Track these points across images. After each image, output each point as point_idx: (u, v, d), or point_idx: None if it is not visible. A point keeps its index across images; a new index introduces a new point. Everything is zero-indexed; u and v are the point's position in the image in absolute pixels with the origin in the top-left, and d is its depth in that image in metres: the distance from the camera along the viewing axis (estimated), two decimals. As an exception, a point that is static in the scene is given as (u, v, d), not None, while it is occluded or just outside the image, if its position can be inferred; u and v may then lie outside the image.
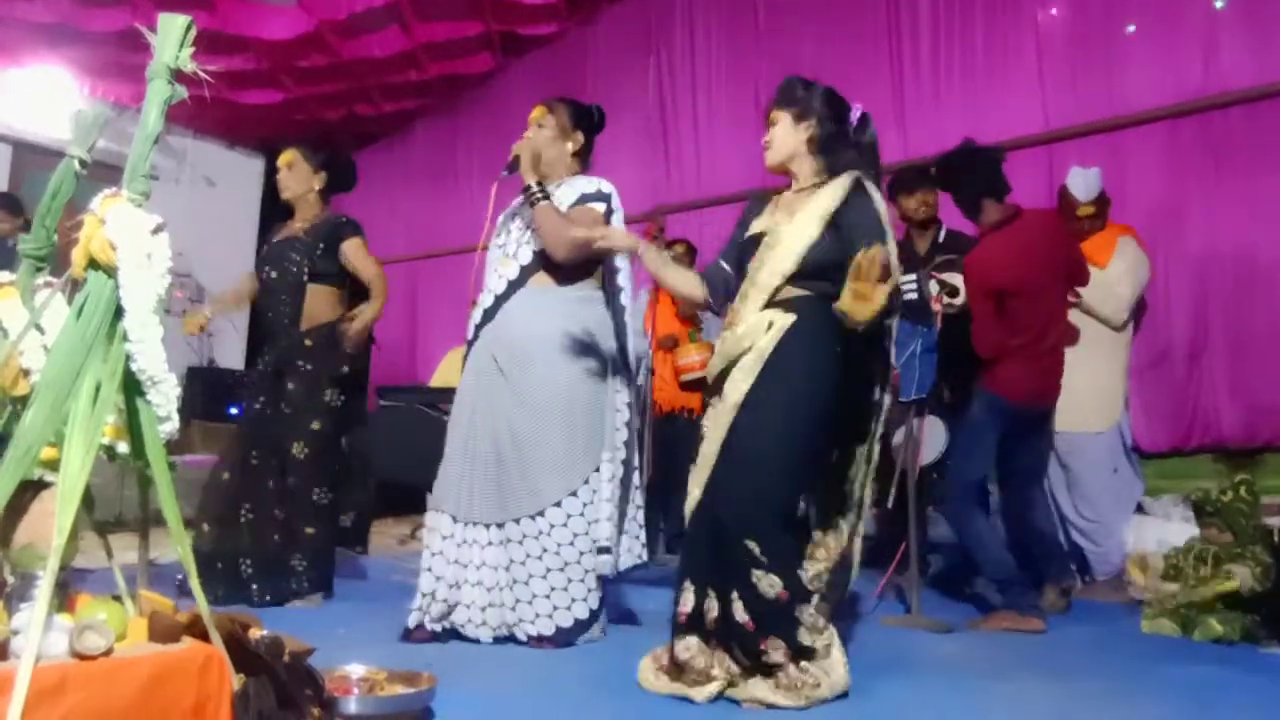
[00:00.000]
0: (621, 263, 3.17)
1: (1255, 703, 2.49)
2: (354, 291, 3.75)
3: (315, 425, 3.54)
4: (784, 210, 2.63)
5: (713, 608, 2.39)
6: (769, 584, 2.32)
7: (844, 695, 2.34)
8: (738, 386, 2.45)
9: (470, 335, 3.12)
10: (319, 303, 3.66)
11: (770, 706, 2.27)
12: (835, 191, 2.53)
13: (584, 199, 3.06)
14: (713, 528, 2.42)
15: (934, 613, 3.47)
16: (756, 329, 2.47)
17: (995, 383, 3.58)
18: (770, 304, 2.50)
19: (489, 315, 3.05)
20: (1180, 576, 3.46)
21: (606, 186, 3.12)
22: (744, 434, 2.43)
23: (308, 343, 3.61)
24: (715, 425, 2.48)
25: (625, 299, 3.16)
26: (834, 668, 2.35)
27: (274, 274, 3.70)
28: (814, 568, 2.53)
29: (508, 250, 3.11)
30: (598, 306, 3.10)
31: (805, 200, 2.58)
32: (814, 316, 2.47)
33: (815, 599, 2.42)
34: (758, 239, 2.61)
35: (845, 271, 2.34)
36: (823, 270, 2.47)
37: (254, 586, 3.45)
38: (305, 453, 3.52)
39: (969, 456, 3.61)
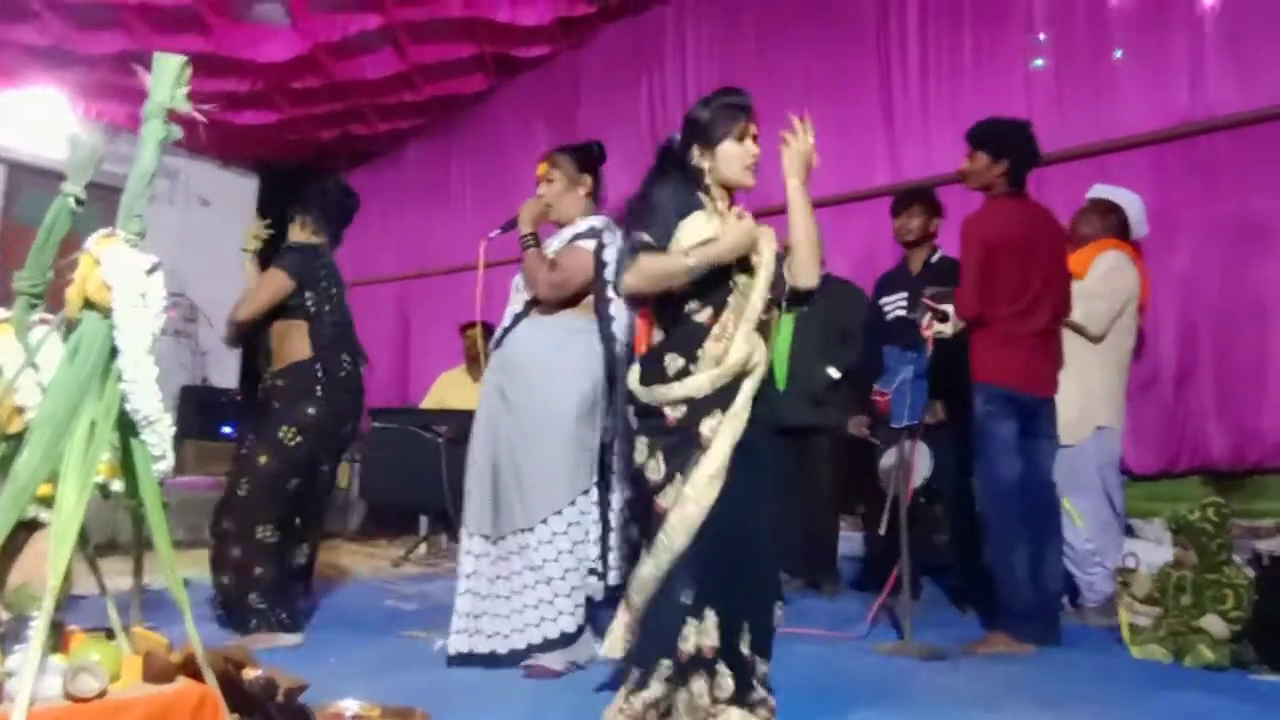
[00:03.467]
0: (612, 293, 3.19)
1: (1245, 731, 2.50)
2: (317, 328, 3.59)
3: (262, 459, 3.44)
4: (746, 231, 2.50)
5: (745, 639, 2.28)
6: (777, 616, 2.35)
7: None
8: (747, 404, 2.38)
9: (489, 363, 3.34)
10: (286, 339, 3.57)
11: None
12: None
13: (575, 238, 3.23)
14: (740, 552, 2.32)
15: (927, 638, 3.47)
16: (758, 348, 2.43)
17: (987, 371, 3.56)
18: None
19: (498, 344, 3.28)
20: (1163, 603, 3.49)
21: (599, 222, 3.25)
22: (766, 454, 2.41)
23: (279, 383, 3.54)
24: (724, 436, 2.35)
25: (618, 329, 3.19)
26: None
27: None
28: None
29: (518, 285, 3.33)
30: (589, 337, 3.20)
31: (762, 226, 2.53)
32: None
33: None
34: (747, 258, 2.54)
35: None
36: None
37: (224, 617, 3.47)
38: (246, 489, 3.44)
39: (986, 457, 3.54)
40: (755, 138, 2.50)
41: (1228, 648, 3.25)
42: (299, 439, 3.47)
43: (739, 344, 2.44)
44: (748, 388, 2.41)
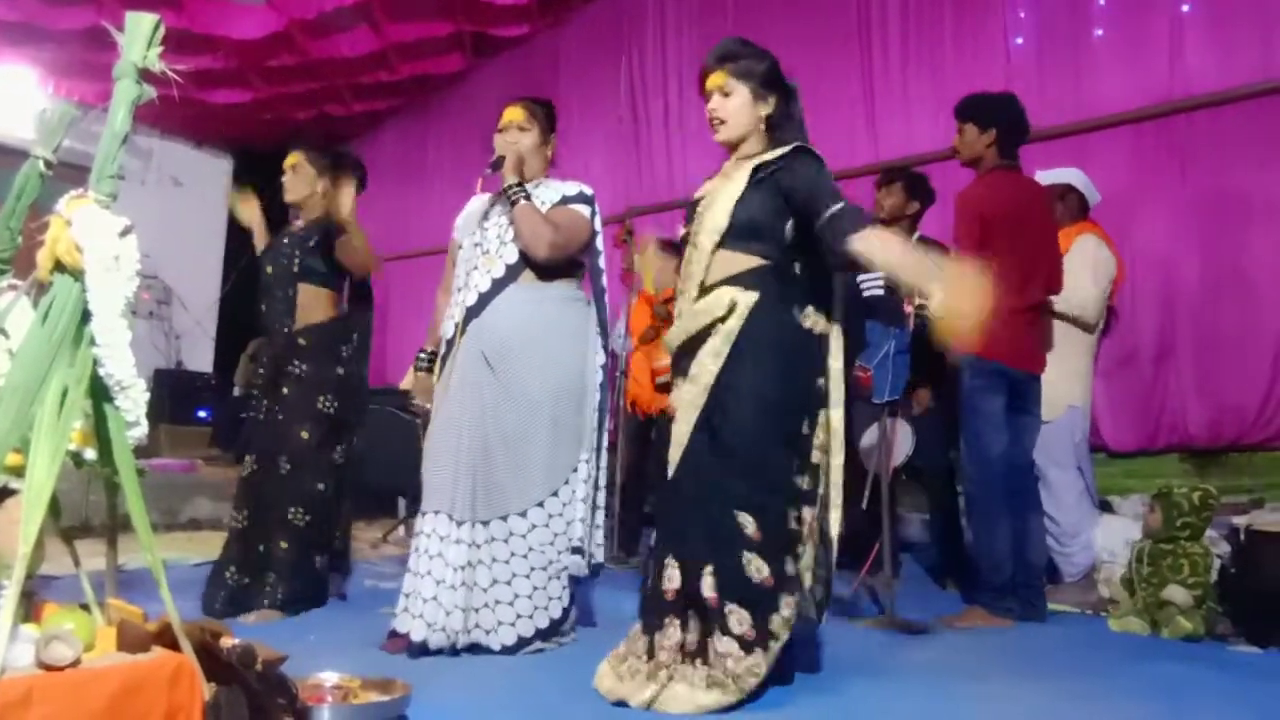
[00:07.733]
0: (605, 263, 3.17)
1: (1225, 701, 2.51)
2: (354, 296, 3.67)
3: (303, 434, 3.41)
4: (722, 176, 2.63)
5: (674, 578, 2.37)
6: (756, 568, 2.32)
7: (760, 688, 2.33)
8: (706, 369, 2.43)
9: (450, 334, 3.04)
10: (311, 302, 3.53)
11: (700, 710, 2.24)
12: (770, 155, 2.52)
13: (566, 200, 3.05)
14: (693, 503, 2.41)
15: (908, 613, 3.48)
16: (715, 306, 2.45)
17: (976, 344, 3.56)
18: (726, 280, 2.47)
19: (474, 312, 2.98)
20: (1132, 578, 3.53)
21: (589, 190, 3.12)
22: (725, 418, 2.40)
23: (302, 342, 3.49)
24: (686, 406, 2.47)
25: (607, 299, 3.15)
26: (770, 660, 2.33)
27: (270, 269, 3.61)
28: (805, 554, 2.49)
29: (487, 248, 3.05)
30: (582, 306, 3.10)
31: (744, 164, 2.56)
32: (776, 291, 2.46)
33: (798, 593, 2.41)
34: (697, 203, 2.63)
35: (778, 233, 2.46)
36: (756, 230, 2.47)
37: (225, 596, 3.36)
38: (287, 467, 3.40)
39: (973, 432, 3.52)
40: (724, 91, 2.58)
41: (1199, 615, 3.28)
42: (334, 404, 3.46)
43: (694, 298, 2.51)
44: (706, 349, 2.45)
